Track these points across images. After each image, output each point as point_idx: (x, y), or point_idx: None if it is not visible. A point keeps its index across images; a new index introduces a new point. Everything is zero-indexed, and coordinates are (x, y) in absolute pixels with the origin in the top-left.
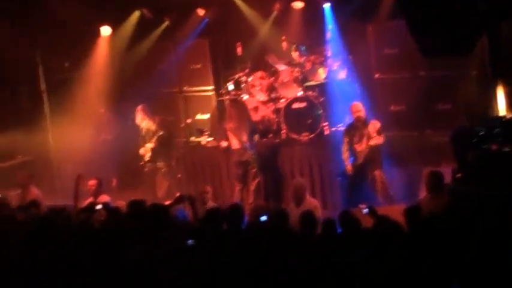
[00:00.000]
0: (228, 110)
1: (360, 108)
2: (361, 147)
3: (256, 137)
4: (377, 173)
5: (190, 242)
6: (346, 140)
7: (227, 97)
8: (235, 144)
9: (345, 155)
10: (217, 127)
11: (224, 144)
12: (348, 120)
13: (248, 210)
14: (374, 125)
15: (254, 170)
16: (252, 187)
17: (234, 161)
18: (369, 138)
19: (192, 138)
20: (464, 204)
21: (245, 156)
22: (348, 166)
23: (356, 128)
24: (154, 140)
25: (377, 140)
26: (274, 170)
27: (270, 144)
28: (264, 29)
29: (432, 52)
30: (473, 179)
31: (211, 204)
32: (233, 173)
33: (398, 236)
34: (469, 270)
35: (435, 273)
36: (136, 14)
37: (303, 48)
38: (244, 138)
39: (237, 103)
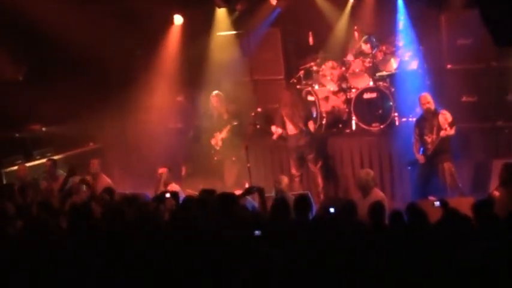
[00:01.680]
0: (283, 96)
1: (428, 99)
2: (431, 138)
3: (311, 123)
4: (446, 165)
5: (257, 232)
6: (416, 130)
7: (298, 86)
8: (291, 130)
9: (416, 146)
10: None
11: (279, 130)
12: (419, 110)
13: (317, 198)
14: (445, 116)
15: (312, 156)
16: (317, 170)
17: (290, 147)
18: (440, 129)
19: (263, 127)
20: None
21: (301, 141)
22: (418, 157)
23: (426, 119)
24: (226, 129)
25: (448, 132)
26: (326, 159)
27: (325, 134)
28: (337, 19)
29: (506, 42)
30: None
31: (287, 194)
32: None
33: (467, 229)
34: None
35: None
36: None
37: (374, 39)
38: (301, 124)
39: (292, 89)
